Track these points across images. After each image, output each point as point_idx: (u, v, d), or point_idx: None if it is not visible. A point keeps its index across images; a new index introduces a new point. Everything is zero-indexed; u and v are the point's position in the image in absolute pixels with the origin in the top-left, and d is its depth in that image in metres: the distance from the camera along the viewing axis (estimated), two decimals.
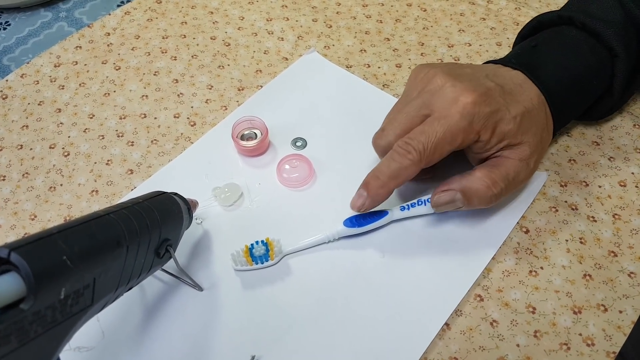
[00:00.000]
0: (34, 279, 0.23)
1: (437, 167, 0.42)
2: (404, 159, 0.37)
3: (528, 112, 0.39)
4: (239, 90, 0.53)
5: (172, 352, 0.37)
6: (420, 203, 0.42)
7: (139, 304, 0.39)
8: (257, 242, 0.40)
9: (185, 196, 0.40)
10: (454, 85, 0.38)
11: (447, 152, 0.38)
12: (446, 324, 0.38)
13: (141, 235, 0.31)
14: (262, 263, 0.40)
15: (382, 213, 0.42)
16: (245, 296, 0.40)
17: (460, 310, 0.39)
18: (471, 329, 0.38)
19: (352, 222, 0.41)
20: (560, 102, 0.41)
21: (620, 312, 0.38)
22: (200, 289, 0.40)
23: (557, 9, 0.58)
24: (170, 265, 0.38)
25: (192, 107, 0.52)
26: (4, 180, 0.48)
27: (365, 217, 0.41)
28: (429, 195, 0.42)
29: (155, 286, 0.40)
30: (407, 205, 0.42)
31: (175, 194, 0.38)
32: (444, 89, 0.38)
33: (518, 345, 0.37)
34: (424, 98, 0.39)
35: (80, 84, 0.55)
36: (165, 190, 0.38)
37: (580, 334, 0.37)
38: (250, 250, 0.40)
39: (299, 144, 0.47)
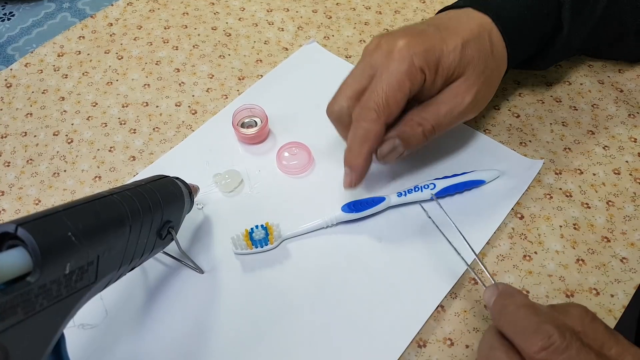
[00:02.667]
0: (40, 253, 0.23)
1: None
2: (364, 122, 0.39)
3: (467, 42, 0.39)
4: (240, 79, 0.54)
5: (173, 332, 0.38)
6: (417, 189, 0.42)
7: (142, 285, 0.40)
8: (257, 227, 0.41)
9: (189, 183, 0.41)
10: (387, 41, 0.39)
11: (402, 100, 0.39)
12: (441, 305, 0.39)
13: (144, 216, 0.32)
14: (262, 247, 0.41)
15: (379, 199, 0.42)
16: (245, 279, 0.40)
17: (455, 293, 0.39)
18: (465, 311, 0.39)
19: (350, 207, 0.42)
20: (512, 27, 0.41)
21: (612, 295, 0.39)
22: (201, 271, 0.41)
23: None
24: (172, 248, 0.39)
25: (193, 95, 0.53)
26: (8, 166, 0.49)
27: (362, 203, 0.42)
28: (426, 182, 0.43)
29: (157, 268, 0.41)
30: (404, 191, 0.43)
31: (177, 178, 0.39)
32: (380, 47, 0.40)
33: None
34: (366, 61, 0.40)
35: (83, 73, 0.56)
36: (168, 175, 0.38)
37: None
38: (250, 234, 0.41)
39: None
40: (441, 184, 0.43)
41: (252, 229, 0.41)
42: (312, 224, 0.42)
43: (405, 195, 0.43)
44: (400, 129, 0.40)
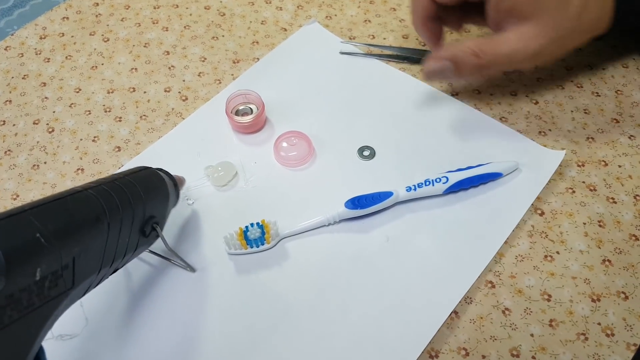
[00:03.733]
0: (4, 258, 0.21)
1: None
2: None
3: None
4: (234, 62, 0.50)
5: (160, 339, 0.35)
6: (427, 183, 0.39)
7: (125, 289, 0.37)
8: (252, 224, 0.38)
9: (174, 174, 0.37)
10: None
11: None
12: (454, 312, 0.36)
13: (123, 211, 0.29)
14: (258, 247, 0.38)
15: (386, 194, 0.39)
16: (239, 281, 0.37)
17: (470, 298, 0.36)
18: (482, 318, 0.35)
19: (354, 203, 0.39)
20: None
21: None
22: (192, 269, 0.37)
23: None
24: (158, 246, 0.35)
25: (183, 80, 0.49)
26: None
27: (368, 199, 0.39)
28: (437, 176, 0.39)
29: (142, 270, 0.38)
30: (414, 185, 0.39)
31: (160, 169, 0.36)
32: None
33: (532, 335, 0.35)
34: None
35: (66, 57, 0.52)
36: (149, 166, 0.35)
37: (599, 324, 0.35)
38: (244, 233, 0.38)
39: (366, 153, 0.43)
40: (454, 177, 0.39)
41: (246, 227, 0.38)
42: (313, 222, 0.39)
43: (415, 189, 0.39)
44: (455, 53, 0.38)
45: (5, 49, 0.53)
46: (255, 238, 0.37)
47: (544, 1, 0.36)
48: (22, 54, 0.53)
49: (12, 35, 0.54)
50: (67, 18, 0.55)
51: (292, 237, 0.39)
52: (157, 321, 0.36)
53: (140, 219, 0.31)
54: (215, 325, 0.35)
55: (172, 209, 0.36)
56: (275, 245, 0.39)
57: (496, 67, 0.39)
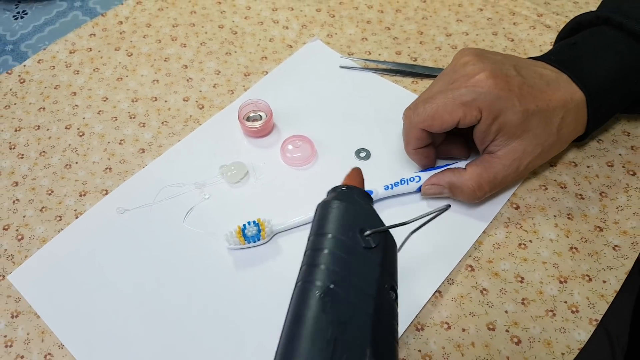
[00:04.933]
0: None
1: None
2: (407, 120, 0.42)
3: (540, 111, 0.39)
4: (245, 75, 0.56)
5: (165, 324, 0.40)
6: (402, 182, 0.44)
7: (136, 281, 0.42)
8: (249, 223, 0.42)
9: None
10: (474, 64, 0.40)
11: (448, 123, 0.39)
12: (438, 291, 0.40)
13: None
14: (255, 242, 0.42)
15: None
16: (238, 274, 0.42)
17: (452, 279, 0.41)
18: (462, 297, 0.40)
19: None
20: (600, 101, 0.42)
21: (604, 282, 0.40)
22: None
23: (552, 0, 0.60)
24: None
25: (200, 91, 0.54)
26: (22, 158, 0.50)
27: None
28: (412, 175, 0.44)
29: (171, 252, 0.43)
30: (391, 184, 0.44)
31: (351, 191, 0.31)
32: (466, 66, 0.40)
33: (506, 312, 0.39)
34: (450, 75, 0.41)
35: (94, 69, 0.57)
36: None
37: (565, 302, 0.40)
38: (242, 230, 0.42)
39: (362, 154, 0.48)
40: (426, 176, 0.44)
41: (244, 225, 0.42)
42: (303, 218, 0.43)
43: (392, 188, 0.44)
44: (455, 182, 0.42)
45: (39, 62, 0.59)
46: (252, 235, 0.42)
47: (529, 123, 0.39)
48: (53, 66, 0.58)
49: (44, 49, 0.60)
50: (94, 35, 0.61)
51: (286, 232, 0.44)
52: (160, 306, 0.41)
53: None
54: (211, 312, 0.40)
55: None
56: (269, 240, 0.43)
57: (490, 194, 0.42)
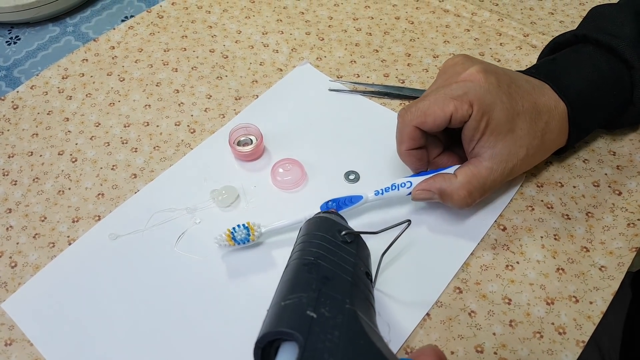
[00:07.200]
0: None
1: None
2: (400, 118, 0.43)
3: (526, 112, 0.40)
4: (236, 99, 0.56)
5: (161, 325, 0.40)
6: (393, 188, 0.44)
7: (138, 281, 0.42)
8: (238, 226, 0.42)
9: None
10: (464, 63, 0.42)
11: (441, 119, 0.40)
12: (427, 314, 0.41)
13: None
14: (244, 244, 0.43)
15: (357, 197, 0.44)
16: (231, 299, 0.42)
17: (441, 302, 0.41)
18: (450, 319, 0.41)
19: (328, 206, 0.44)
20: (581, 112, 0.43)
21: (591, 302, 0.41)
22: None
23: (538, 20, 0.61)
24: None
25: (192, 115, 0.55)
26: (15, 184, 0.51)
27: (341, 202, 0.44)
28: (402, 180, 0.44)
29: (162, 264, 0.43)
30: (382, 190, 0.44)
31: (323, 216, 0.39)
32: (455, 66, 0.42)
33: (494, 334, 0.40)
34: (441, 77, 0.44)
35: (86, 95, 0.58)
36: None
37: (552, 323, 0.40)
38: (232, 233, 0.42)
39: (352, 177, 0.49)
40: (416, 182, 0.43)
41: (234, 228, 0.42)
42: (291, 220, 0.43)
43: (382, 193, 0.44)
44: (445, 189, 0.41)
45: (31, 88, 0.59)
46: (241, 238, 0.42)
47: (515, 122, 0.40)
48: (46, 92, 0.59)
49: (37, 75, 0.61)
50: (87, 60, 0.62)
51: (275, 236, 0.44)
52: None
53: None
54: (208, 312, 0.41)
55: None
56: (258, 242, 0.44)
57: (480, 199, 0.42)
